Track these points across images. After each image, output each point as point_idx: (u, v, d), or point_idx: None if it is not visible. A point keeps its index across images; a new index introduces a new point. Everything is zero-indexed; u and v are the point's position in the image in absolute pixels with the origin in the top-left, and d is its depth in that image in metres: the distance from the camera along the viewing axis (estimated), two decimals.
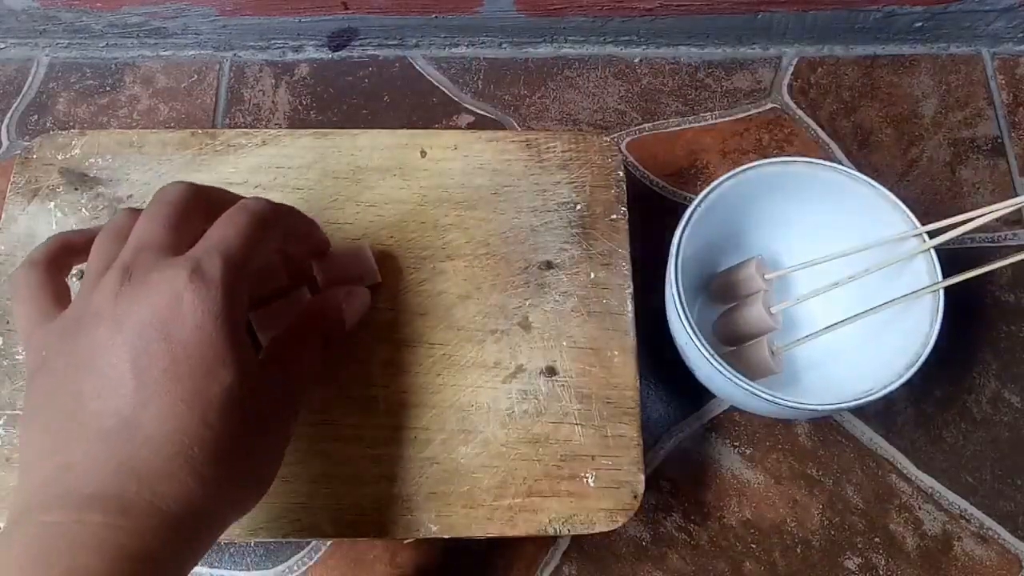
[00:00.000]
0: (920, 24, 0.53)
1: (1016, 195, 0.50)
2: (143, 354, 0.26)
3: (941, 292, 0.37)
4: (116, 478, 0.25)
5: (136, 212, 0.31)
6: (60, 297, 0.30)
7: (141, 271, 0.27)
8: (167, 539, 0.25)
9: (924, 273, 0.38)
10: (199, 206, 0.30)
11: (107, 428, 0.25)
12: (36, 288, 0.30)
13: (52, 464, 0.25)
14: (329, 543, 0.42)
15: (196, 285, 0.26)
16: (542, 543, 0.42)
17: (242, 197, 0.33)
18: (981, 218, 0.37)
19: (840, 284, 0.40)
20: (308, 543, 0.42)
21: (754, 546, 0.42)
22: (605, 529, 0.35)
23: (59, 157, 0.42)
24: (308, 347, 0.33)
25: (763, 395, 0.36)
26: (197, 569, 0.41)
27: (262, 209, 0.30)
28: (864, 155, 0.51)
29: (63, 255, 0.32)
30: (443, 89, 0.54)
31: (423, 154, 0.43)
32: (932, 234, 0.39)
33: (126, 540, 0.24)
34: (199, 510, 0.26)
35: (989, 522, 0.43)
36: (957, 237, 0.38)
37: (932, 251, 0.38)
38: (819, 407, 0.36)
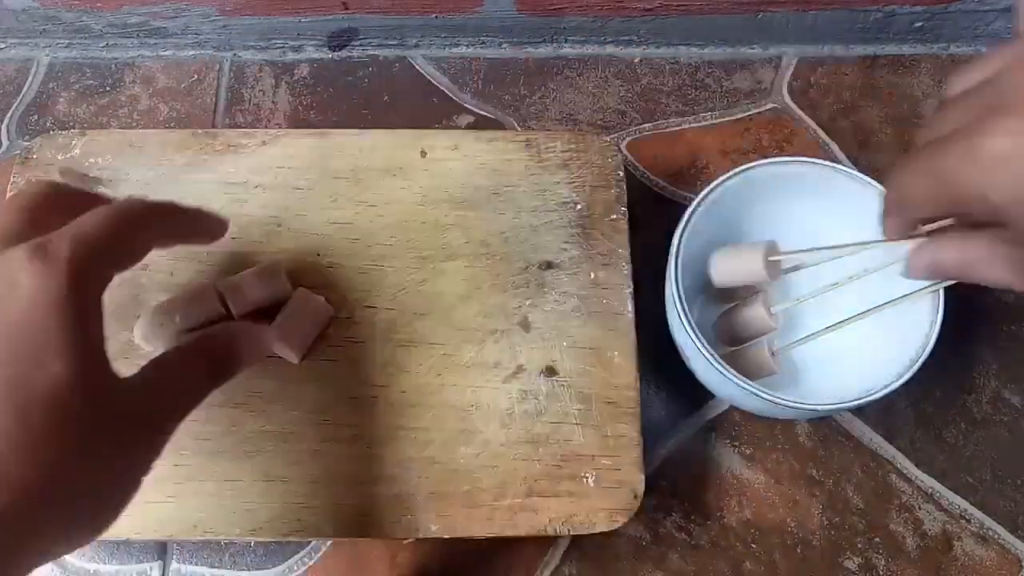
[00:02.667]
0: (920, 24, 0.53)
1: None
2: None
3: (941, 292, 0.37)
4: None
5: None
6: None
7: None
8: None
9: None
10: (60, 201, 0.29)
11: None
12: None
13: None
14: (329, 543, 0.42)
15: (35, 266, 0.24)
16: (542, 543, 0.42)
17: (192, 209, 0.31)
18: None
19: (840, 285, 0.40)
20: (308, 543, 0.42)
21: (754, 546, 0.42)
22: (605, 529, 0.35)
23: (59, 157, 0.42)
24: (190, 374, 0.30)
25: (763, 395, 0.36)
26: (197, 569, 0.41)
27: (129, 204, 0.29)
28: (864, 155, 0.51)
29: None
30: (443, 89, 0.54)
31: (423, 154, 0.43)
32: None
33: None
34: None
35: (989, 522, 0.43)
36: None
37: None
38: (819, 407, 0.36)
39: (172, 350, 0.30)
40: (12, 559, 0.23)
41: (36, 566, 0.24)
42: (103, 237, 0.26)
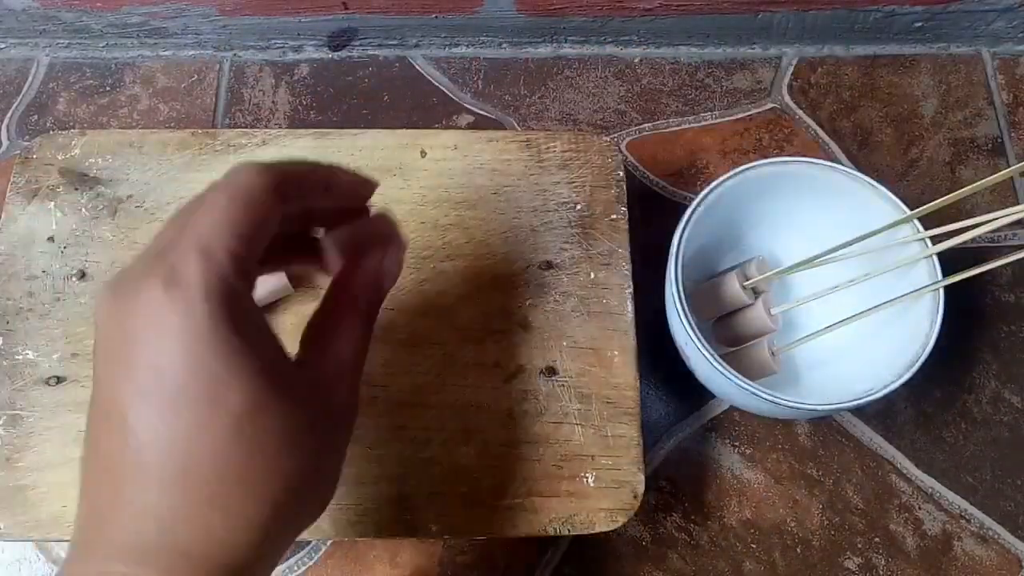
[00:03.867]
0: (920, 24, 0.53)
1: (1016, 195, 0.50)
2: (141, 394, 0.23)
3: (941, 292, 0.37)
4: (135, 524, 0.23)
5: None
6: None
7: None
8: None
9: (924, 272, 0.38)
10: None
11: (123, 474, 0.23)
12: None
13: (84, 508, 0.24)
14: (329, 543, 0.42)
15: (173, 296, 0.22)
16: (542, 543, 0.42)
17: (325, 166, 0.27)
18: (985, 225, 0.36)
19: (840, 287, 0.40)
20: (308, 543, 0.42)
21: (754, 546, 0.42)
22: (605, 529, 0.35)
23: (59, 157, 0.42)
24: (349, 328, 0.28)
25: (763, 395, 0.36)
26: None
27: (248, 183, 0.25)
28: (864, 155, 0.51)
29: None
30: (443, 89, 0.54)
31: (423, 154, 0.43)
32: (934, 239, 0.38)
33: None
34: (237, 543, 0.24)
35: (989, 522, 0.43)
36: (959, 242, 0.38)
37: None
38: (819, 407, 0.36)
39: (319, 313, 0.29)
40: (271, 564, 0.25)
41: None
42: (230, 238, 0.24)
